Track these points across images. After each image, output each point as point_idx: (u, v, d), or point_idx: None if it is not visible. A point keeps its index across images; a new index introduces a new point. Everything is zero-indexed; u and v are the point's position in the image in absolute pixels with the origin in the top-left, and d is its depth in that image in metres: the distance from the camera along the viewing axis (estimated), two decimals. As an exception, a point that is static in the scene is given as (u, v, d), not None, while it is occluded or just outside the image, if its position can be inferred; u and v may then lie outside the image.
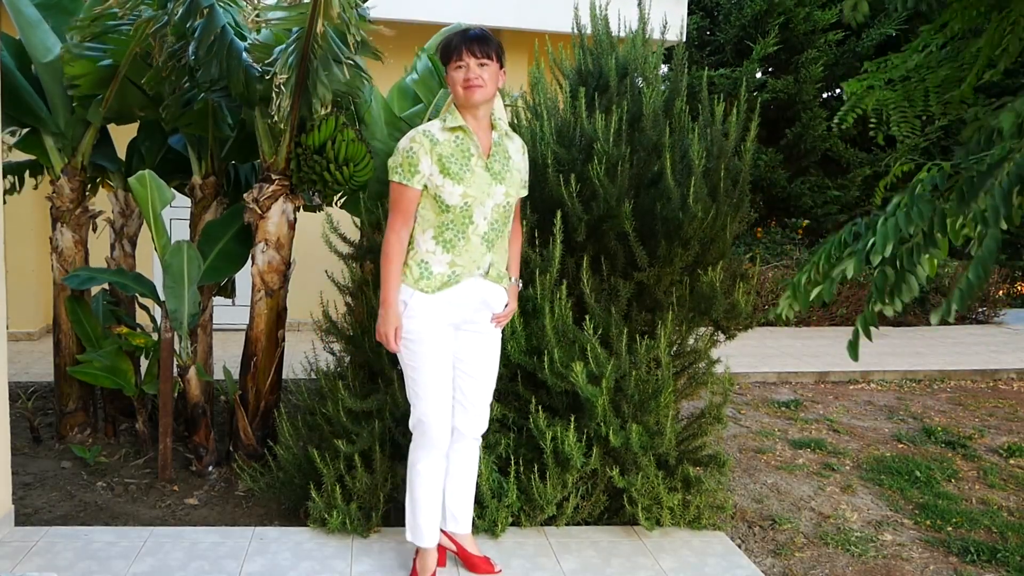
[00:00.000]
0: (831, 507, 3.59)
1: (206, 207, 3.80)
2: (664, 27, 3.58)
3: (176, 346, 3.56)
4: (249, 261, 3.63)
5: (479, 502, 2.93)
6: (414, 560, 2.71)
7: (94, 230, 3.95)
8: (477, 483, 2.87)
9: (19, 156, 4.09)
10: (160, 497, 3.38)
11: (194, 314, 3.50)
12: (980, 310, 8.98)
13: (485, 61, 2.35)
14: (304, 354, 3.76)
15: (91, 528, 3.01)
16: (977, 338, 7.86)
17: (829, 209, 9.61)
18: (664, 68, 3.55)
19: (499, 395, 2.98)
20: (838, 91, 10.47)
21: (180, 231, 5.33)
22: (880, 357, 6.74)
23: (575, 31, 3.54)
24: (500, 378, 2.92)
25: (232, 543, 2.91)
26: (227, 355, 4.69)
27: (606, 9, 3.46)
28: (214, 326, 3.91)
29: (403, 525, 2.71)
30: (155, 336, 3.73)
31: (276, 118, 3.17)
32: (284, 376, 3.82)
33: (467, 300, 2.49)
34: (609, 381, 2.88)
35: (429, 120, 3.65)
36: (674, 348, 3.19)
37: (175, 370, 3.59)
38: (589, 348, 2.89)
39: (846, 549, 3.16)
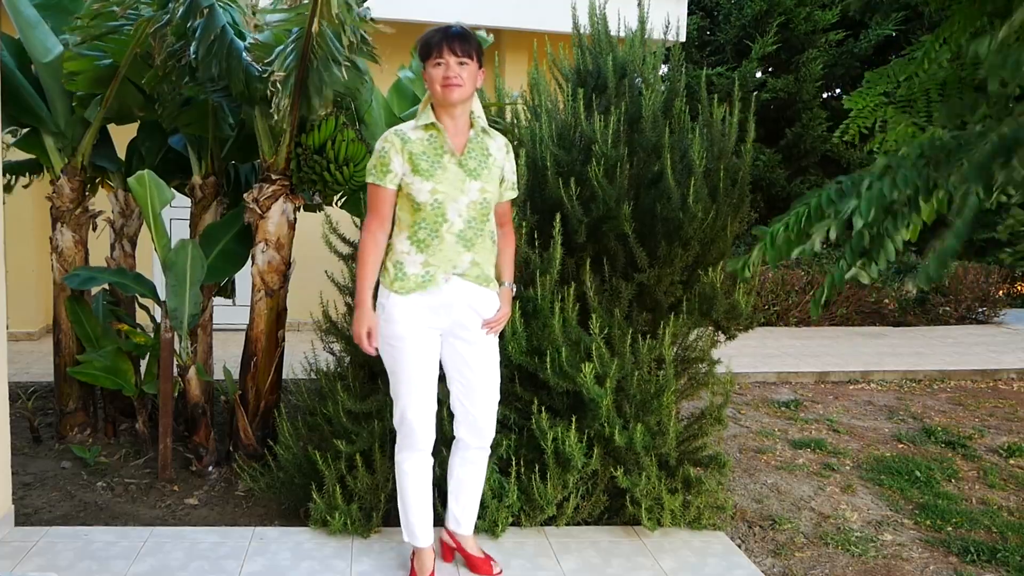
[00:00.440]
0: (831, 507, 3.59)
1: (206, 207, 3.81)
2: (665, 27, 3.58)
3: (176, 346, 3.56)
4: (249, 261, 3.63)
5: (480, 502, 2.93)
6: (412, 560, 2.71)
7: (94, 230, 3.95)
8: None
9: (18, 155, 4.09)
10: (160, 497, 3.38)
11: (194, 314, 3.50)
12: (980, 310, 8.98)
13: (465, 60, 2.33)
14: (304, 354, 3.76)
15: (91, 528, 3.01)
16: (977, 338, 7.86)
17: (829, 209, 9.60)
18: (664, 68, 3.55)
19: (499, 396, 2.98)
20: (838, 91, 10.48)
21: (180, 231, 5.34)
22: (880, 357, 6.74)
23: (574, 31, 3.55)
24: (500, 379, 2.92)
25: (232, 543, 2.90)
26: (227, 355, 4.69)
27: (604, 8, 3.46)
28: (214, 326, 3.91)
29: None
30: (155, 336, 3.73)
31: (276, 118, 3.17)
32: (284, 376, 3.82)
33: (446, 302, 2.44)
34: (613, 381, 2.88)
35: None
36: (676, 349, 3.19)
37: (175, 370, 3.59)
38: (595, 348, 2.89)
39: (846, 549, 3.17)
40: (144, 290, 3.66)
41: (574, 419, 2.91)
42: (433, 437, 2.58)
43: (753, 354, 6.56)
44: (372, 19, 3.12)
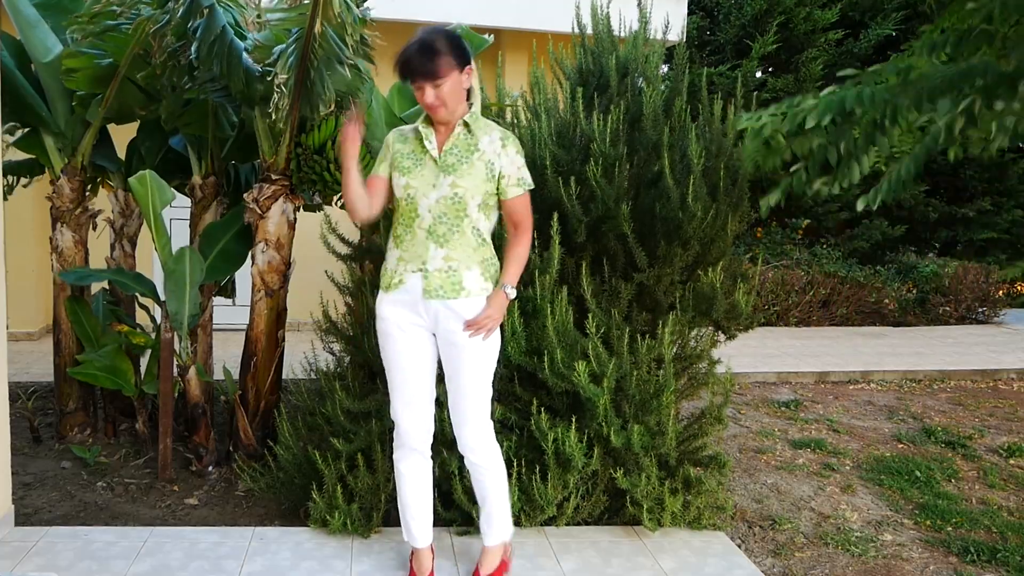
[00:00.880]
0: (831, 507, 3.59)
1: (206, 207, 3.81)
2: (666, 27, 3.58)
3: (176, 346, 3.56)
4: (249, 261, 3.63)
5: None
6: (411, 560, 2.71)
7: (94, 230, 3.95)
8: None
9: (18, 155, 4.09)
10: (160, 497, 3.38)
11: (194, 314, 3.50)
12: (980, 310, 8.99)
13: (439, 81, 2.32)
14: (304, 354, 3.76)
15: (91, 528, 3.01)
16: (977, 338, 7.86)
17: (829, 208, 9.61)
18: (664, 68, 3.55)
19: (499, 396, 2.98)
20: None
21: (180, 231, 5.33)
22: (880, 357, 6.74)
23: (576, 30, 3.55)
24: (500, 379, 2.92)
25: (232, 543, 2.90)
26: (227, 355, 4.69)
27: (607, 8, 3.46)
28: (214, 326, 3.91)
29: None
30: (155, 336, 3.73)
31: (275, 117, 3.17)
32: (284, 376, 3.82)
33: (416, 299, 2.41)
34: (610, 381, 2.88)
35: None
36: (675, 348, 3.19)
37: (175, 370, 3.59)
38: (591, 348, 2.89)
39: (846, 549, 3.16)
40: (144, 289, 3.66)
41: (574, 419, 2.91)
42: (425, 438, 2.56)
43: (753, 354, 6.56)
44: (372, 19, 3.12)
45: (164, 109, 3.49)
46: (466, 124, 2.42)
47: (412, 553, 2.70)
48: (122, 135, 4.08)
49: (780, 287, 8.14)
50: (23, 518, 3.08)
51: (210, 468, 3.63)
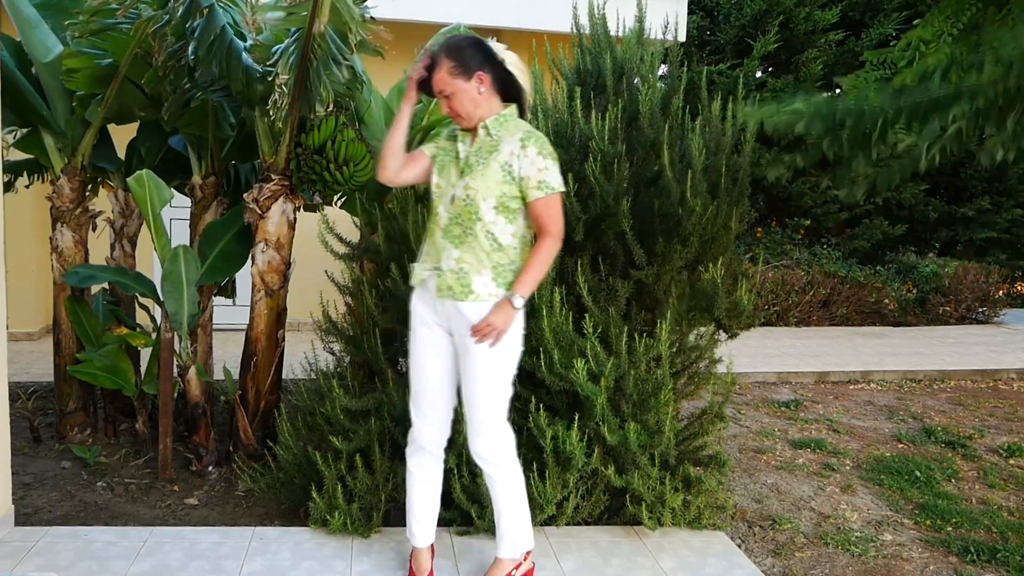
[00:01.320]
0: (831, 507, 3.59)
1: (206, 207, 3.80)
2: (665, 27, 3.58)
3: (176, 346, 3.56)
4: (249, 261, 3.63)
5: (479, 502, 2.93)
6: (410, 560, 2.71)
7: (94, 230, 3.95)
8: (476, 483, 2.87)
9: (18, 155, 4.09)
10: (160, 497, 3.38)
11: (194, 315, 3.50)
12: (980, 310, 8.99)
13: (443, 92, 2.38)
14: (304, 354, 3.76)
15: (91, 528, 3.01)
16: (977, 338, 7.86)
17: (830, 208, 9.61)
18: (663, 68, 3.55)
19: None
20: (838, 91, 10.47)
21: (180, 231, 5.33)
22: (880, 357, 6.74)
23: (574, 31, 3.55)
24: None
25: (232, 543, 2.90)
26: (227, 355, 4.69)
27: (603, 8, 3.46)
28: (214, 326, 3.91)
29: (403, 525, 2.71)
30: (155, 336, 3.73)
31: (274, 117, 3.17)
32: (284, 376, 3.82)
33: (433, 297, 2.44)
34: (608, 380, 2.88)
35: (425, 120, 3.67)
36: (674, 347, 3.19)
37: (175, 370, 3.59)
38: (589, 347, 2.89)
39: (846, 549, 3.16)
40: (144, 289, 3.66)
41: (576, 417, 2.91)
42: (437, 439, 2.57)
43: (753, 354, 6.56)
44: (372, 19, 3.12)
45: (166, 110, 3.49)
46: (486, 127, 2.41)
47: (412, 552, 2.70)
48: (122, 135, 4.08)
49: (780, 287, 8.14)
50: (23, 518, 3.08)
51: (210, 468, 3.63)
